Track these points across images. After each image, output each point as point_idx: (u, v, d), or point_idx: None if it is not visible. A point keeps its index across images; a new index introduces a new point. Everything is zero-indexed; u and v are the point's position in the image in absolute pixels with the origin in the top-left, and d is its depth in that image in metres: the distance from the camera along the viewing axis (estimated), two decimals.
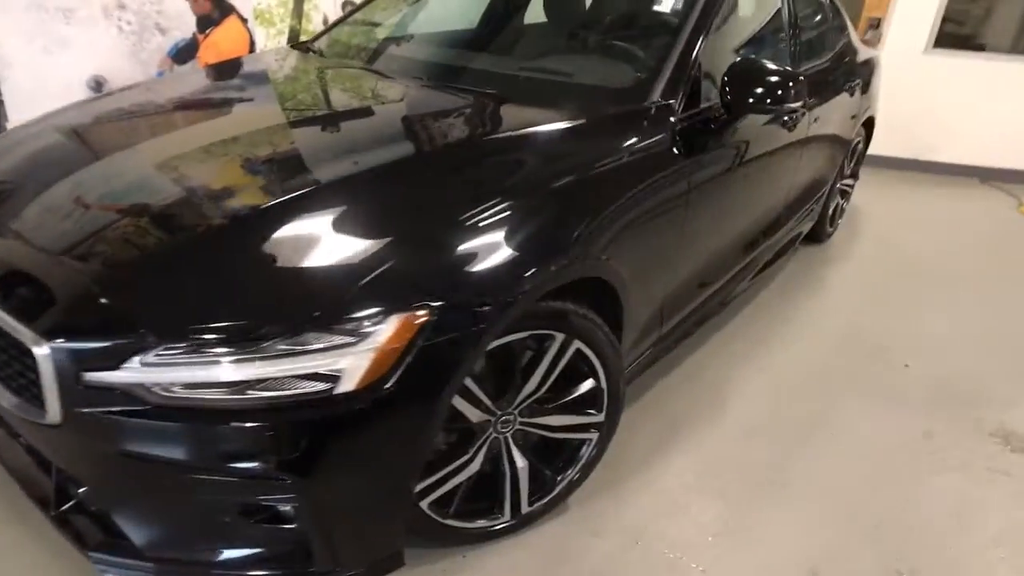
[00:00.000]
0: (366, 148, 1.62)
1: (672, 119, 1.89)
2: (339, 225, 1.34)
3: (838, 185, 3.68)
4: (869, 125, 3.78)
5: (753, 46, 2.52)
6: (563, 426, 1.68)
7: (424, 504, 1.50)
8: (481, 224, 1.37)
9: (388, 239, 1.30)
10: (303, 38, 3.57)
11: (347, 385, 1.18)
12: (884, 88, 5.11)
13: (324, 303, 1.20)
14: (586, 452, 1.74)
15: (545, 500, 1.72)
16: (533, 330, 1.48)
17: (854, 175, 3.91)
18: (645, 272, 1.85)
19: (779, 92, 1.98)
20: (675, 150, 1.88)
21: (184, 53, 3.15)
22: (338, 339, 1.18)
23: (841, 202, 3.84)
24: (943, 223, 4.41)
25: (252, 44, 3.38)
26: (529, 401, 1.58)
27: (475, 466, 1.56)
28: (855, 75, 3.32)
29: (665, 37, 2.06)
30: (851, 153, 3.64)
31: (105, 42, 2.89)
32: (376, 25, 2.55)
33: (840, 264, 3.59)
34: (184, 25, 3.13)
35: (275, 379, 1.16)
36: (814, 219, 3.48)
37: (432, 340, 1.23)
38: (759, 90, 1.96)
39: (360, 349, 1.18)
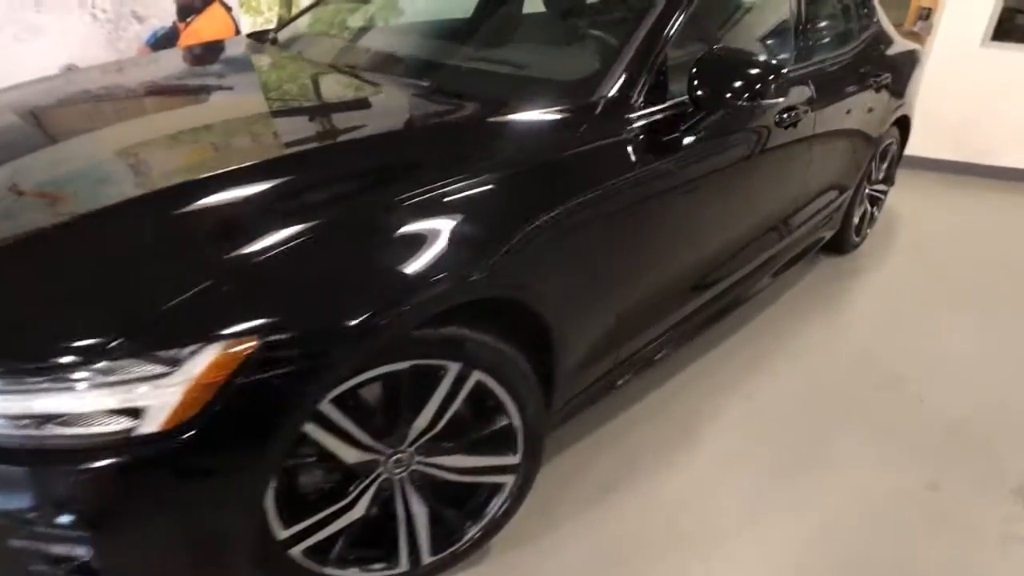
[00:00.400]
0: (249, 144, 1.45)
1: (627, 116, 1.65)
2: (174, 231, 1.17)
3: (865, 190, 3.32)
4: (904, 125, 3.39)
5: (746, 34, 2.24)
6: (470, 468, 1.47)
7: (296, 551, 1.32)
8: (345, 236, 1.17)
9: (226, 248, 1.12)
10: None
11: (151, 425, 1.01)
12: (935, 84, 4.67)
13: (131, 325, 1.02)
14: (499, 499, 1.53)
15: (452, 550, 1.51)
16: (419, 359, 1.27)
17: (887, 180, 3.53)
18: (587, 291, 1.62)
19: (757, 86, 1.72)
20: (630, 151, 1.63)
21: (164, 42, 3.06)
22: (144, 369, 1.01)
23: (871, 209, 3.48)
24: (993, 235, 3.96)
25: (237, 33, 3.26)
26: (425, 439, 1.38)
27: (359, 511, 1.36)
28: (884, 70, 2.96)
29: (630, 24, 1.82)
30: (880, 156, 3.27)
31: (79, 30, 2.82)
32: (337, 16, 2.38)
33: (864, 278, 3.24)
34: (163, 13, 3.04)
35: (71, 415, 1.00)
36: (835, 227, 3.14)
37: (261, 374, 1.05)
38: (732, 83, 1.70)
39: (169, 383, 1.01)
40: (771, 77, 1.74)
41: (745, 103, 1.71)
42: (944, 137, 4.82)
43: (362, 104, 1.69)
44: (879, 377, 2.45)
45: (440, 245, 1.23)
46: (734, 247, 2.21)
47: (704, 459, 1.98)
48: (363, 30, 2.26)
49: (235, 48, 2.22)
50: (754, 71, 1.73)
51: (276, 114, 1.61)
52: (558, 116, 1.59)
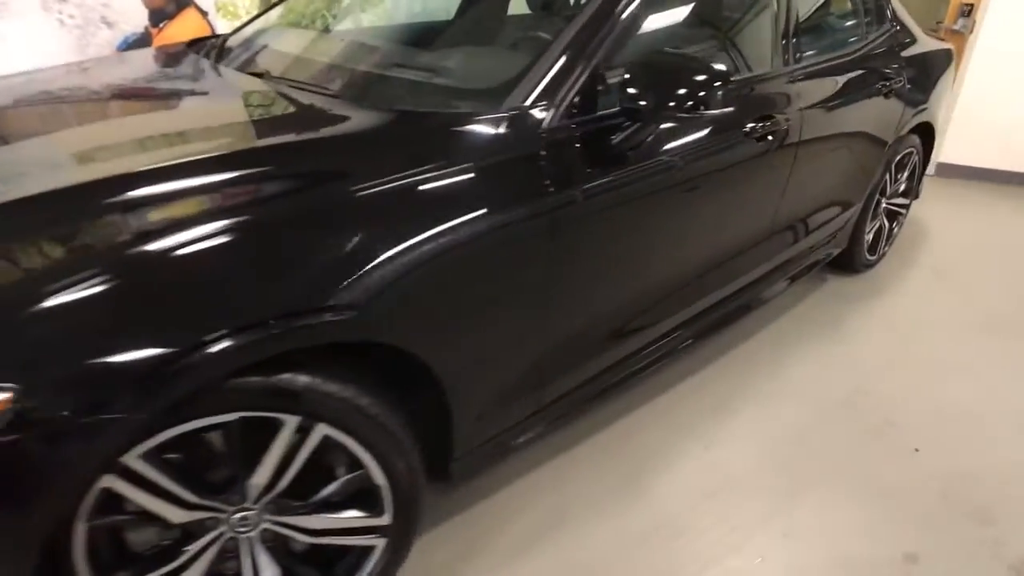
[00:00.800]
0: (74, 161, 1.31)
1: (543, 130, 1.45)
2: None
3: (882, 205, 3.01)
4: (925, 133, 3.05)
5: (713, 37, 2.00)
6: (330, 530, 1.30)
7: None
8: (147, 270, 1.01)
9: (27, 277, 0.98)
10: None
11: None
12: (978, 86, 4.28)
13: None
14: (369, 564, 1.35)
15: None
16: (245, 411, 1.12)
17: (908, 193, 3.19)
18: (491, 332, 1.43)
19: (700, 94, 1.50)
20: (544, 170, 1.44)
21: (135, 48, 3.00)
22: None
23: (890, 225, 3.15)
24: None
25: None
26: (271, 496, 1.23)
27: (195, 572, 1.22)
28: (898, 72, 2.65)
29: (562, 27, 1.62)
30: (897, 167, 2.95)
31: (46, 36, 2.78)
32: (310, 6, 2.24)
33: (874, 303, 2.92)
34: (134, 19, 2.99)
35: None
36: (841, 245, 2.84)
37: (20, 433, 0.90)
38: (668, 91, 1.49)
39: None
40: (715, 84, 1.52)
41: (684, 114, 1.50)
42: (988, 143, 4.40)
43: (239, 117, 1.54)
44: (870, 422, 2.16)
45: (266, 279, 1.07)
46: (693, 275, 1.97)
47: (647, 519, 1.76)
48: (310, 31, 2.12)
49: (166, 56, 2.11)
50: (697, 77, 1.51)
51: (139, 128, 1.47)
52: (453, 129, 1.41)
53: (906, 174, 3.09)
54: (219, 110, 1.60)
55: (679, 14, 1.88)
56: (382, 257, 1.18)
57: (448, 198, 1.31)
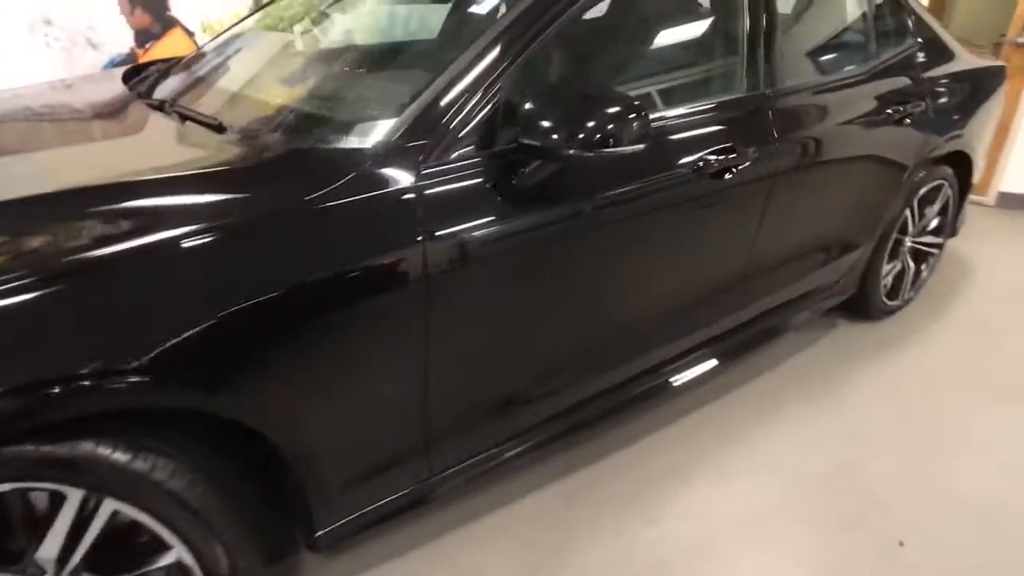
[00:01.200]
0: None
1: (422, 168, 1.29)
2: None
3: (905, 245, 2.67)
4: (960, 164, 2.69)
5: (658, 59, 1.78)
6: None
7: None
8: None
9: None
10: None
11: None
12: None
13: None
14: None
15: None
16: (20, 482, 1.00)
17: (940, 231, 2.82)
18: (348, 401, 1.28)
19: (609, 127, 1.31)
20: (414, 216, 1.27)
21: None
22: None
23: (916, 267, 2.79)
24: None
25: None
26: (69, 570, 1.11)
27: None
28: (916, 95, 2.33)
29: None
30: (920, 202, 2.60)
31: (31, 58, 2.83)
32: (288, 11, 2.18)
33: (885, 358, 2.56)
34: (120, 40, 3.01)
35: None
36: (847, 290, 2.53)
37: None
38: (578, 125, 1.30)
39: None
40: (630, 116, 1.33)
41: (589, 153, 1.31)
42: None
43: (94, 150, 1.46)
44: (849, 507, 1.85)
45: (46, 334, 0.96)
46: (620, 335, 1.74)
47: None
48: (230, 58, 2.03)
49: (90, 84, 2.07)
50: (611, 109, 1.33)
51: None
52: (308, 165, 1.27)
53: (936, 209, 2.73)
54: (83, 143, 1.52)
55: (613, 36, 1.69)
56: (205, 316, 1.06)
57: (291, 244, 1.16)
